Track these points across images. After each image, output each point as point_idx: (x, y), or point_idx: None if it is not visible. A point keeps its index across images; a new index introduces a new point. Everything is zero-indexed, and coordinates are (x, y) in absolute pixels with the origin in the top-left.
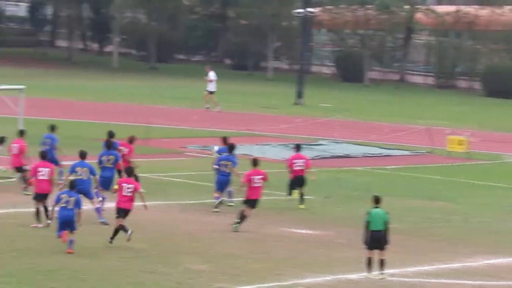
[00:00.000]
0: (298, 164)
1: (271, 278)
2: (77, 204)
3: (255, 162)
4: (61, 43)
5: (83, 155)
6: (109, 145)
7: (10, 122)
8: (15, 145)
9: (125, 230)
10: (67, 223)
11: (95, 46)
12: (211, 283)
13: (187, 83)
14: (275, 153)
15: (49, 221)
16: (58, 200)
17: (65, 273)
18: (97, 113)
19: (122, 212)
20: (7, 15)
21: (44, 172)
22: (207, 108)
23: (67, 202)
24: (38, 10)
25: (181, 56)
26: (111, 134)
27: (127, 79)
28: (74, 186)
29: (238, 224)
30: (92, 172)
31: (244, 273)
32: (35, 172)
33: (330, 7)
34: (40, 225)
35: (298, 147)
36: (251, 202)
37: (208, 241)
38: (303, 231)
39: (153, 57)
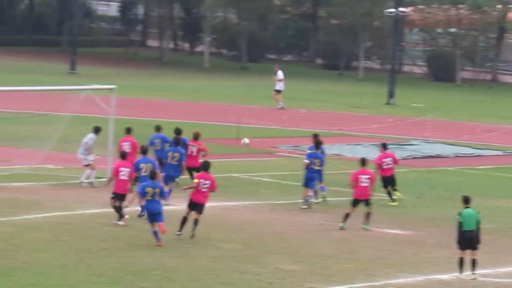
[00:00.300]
0: (387, 163)
1: (361, 278)
2: (162, 194)
3: (363, 161)
4: (152, 42)
5: (144, 151)
6: (177, 142)
7: (101, 122)
8: (125, 143)
9: (195, 224)
10: (156, 215)
11: (186, 46)
12: (302, 283)
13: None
14: (366, 153)
15: (121, 222)
16: (144, 194)
17: (156, 273)
18: (188, 113)
19: (195, 206)
20: (98, 14)
21: (124, 172)
22: (281, 107)
23: (153, 194)
24: (129, 9)
25: (272, 56)
26: (178, 131)
27: (218, 79)
28: (154, 177)
29: (343, 223)
30: (154, 167)
31: (334, 273)
32: (116, 172)
33: (422, 6)
34: (120, 223)
35: (384, 146)
36: (358, 202)
37: (299, 241)
38: (394, 231)
39: (244, 57)
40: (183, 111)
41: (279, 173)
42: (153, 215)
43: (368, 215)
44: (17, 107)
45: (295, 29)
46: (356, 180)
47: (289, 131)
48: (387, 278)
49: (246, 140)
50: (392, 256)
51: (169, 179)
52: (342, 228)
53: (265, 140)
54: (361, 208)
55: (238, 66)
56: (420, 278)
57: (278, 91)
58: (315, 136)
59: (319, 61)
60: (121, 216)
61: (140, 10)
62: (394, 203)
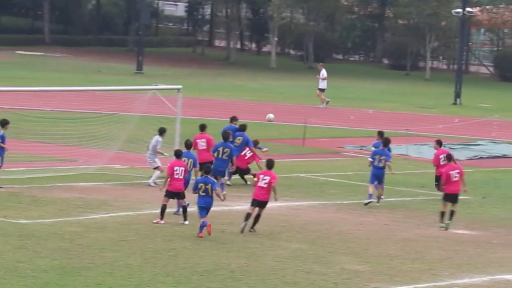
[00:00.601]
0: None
1: (427, 278)
2: (214, 187)
3: (449, 157)
4: (219, 43)
5: (188, 146)
6: (226, 138)
7: (167, 122)
8: (201, 139)
9: (256, 222)
10: (207, 209)
11: (252, 46)
12: (367, 283)
13: (344, 83)
14: (432, 153)
15: (186, 222)
16: (196, 188)
17: (222, 273)
18: (254, 113)
19: (257, 203)
20: (165, 14)
21: (179, 171)
22: (325, 105)
23: (206, 190)
24: (196, 10)
25: (339, 56)
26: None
27: (284, 79)
28: (209, 172)
29: (449, 222)
30: (195, 164)
31: (399, 273)
32: (171, 171)
33: (489, 6)
34: (161, 222)
35: (440, 143)
36: (450, 197)
37: (364, 241)
38: (460, 231)
39: (310, 57)
40: (250, 111)
41: (345, 173)
42: (204, 209)
43: (452, 214)
44: (83, 107)
45: (362, 29)
46: (447, 176)
47: (355, 131)
48: (452, 278)
49: (271, 116)
50: (457, 256)
51: (217, 173)
52: (444, 228)
53: (331, 140)
54: (429, 208)
55: (305, 66)
56: (486, 278)
57: (322, 90)
58: (381, 133)
59: (385, 61)
60: (185, 219)
61: (207, 10)
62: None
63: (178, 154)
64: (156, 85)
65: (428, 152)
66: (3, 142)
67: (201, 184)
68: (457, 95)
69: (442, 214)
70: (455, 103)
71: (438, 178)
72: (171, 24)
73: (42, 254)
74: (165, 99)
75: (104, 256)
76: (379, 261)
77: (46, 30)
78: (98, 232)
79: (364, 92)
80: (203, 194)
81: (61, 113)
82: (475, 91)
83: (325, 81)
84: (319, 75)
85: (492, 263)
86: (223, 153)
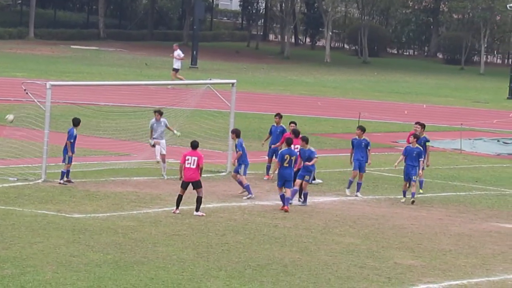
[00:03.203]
0: None
1: (480, 273)
2: (295, 162)
3: None
4: (273, 37)
5: (289, 143)
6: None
7: (221, 116)
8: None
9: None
10: (287, 181)
11: (307, 40)
12: (421, 278)
13: (398, 77)
14: (486, 148)
15: (200, 213)
16: (282, 160)
17: (275, 268)
18: (309, 107)
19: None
20: (219, 9)
21: (190, 161)
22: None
23: (290, 161)
24: (250, 4)
25: (393, 50)
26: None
27: (339, 73)
28: (290, 144)
29: None
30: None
31: (453, 268)
32: (183, 160)
33: None
34: (177, 212)
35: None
36: None
37: (418, 236)
38: None
39: (364, 51)
40: (304, 105)
41: (400, 167)
42: (285, 181)
43: None
44: (137, 101)
45: (417, 23)
46: None
47: (409, 126)
48: (506, 273)
49: (10, 117)
50: (511, 251)
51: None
52: None
53: (385, 135)
54: (483, 202)
55: (359, 61)
56: None
57: (176, 70)
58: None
59: (440, 55)
60: (177, 207)
61: (262, 5)
62: None
63: (194, 145)
64: (210, 80)
65: (482, 146)
66: (74, 141)
67: (287, 156)
68: None
69: None
70: (509, 98)
71: None
72: (225, 18)
73: (95, 249)
74: (219, 93)
75: (157, 250)
76: (432, 255)
77: (101, 25)
78: (151, 227)
79: (418, 86)
80: (286, 165)
81: (115, 107)
82: None
83: (180, 62)
84: (173, 54)
85: None
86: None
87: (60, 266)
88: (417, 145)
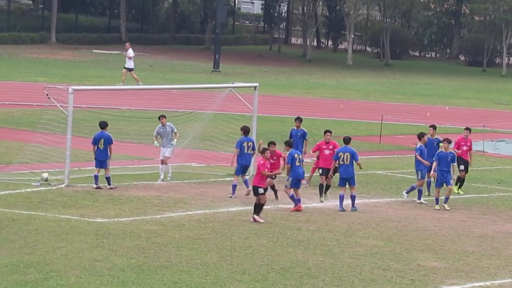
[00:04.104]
0: None
1: (504, 274)
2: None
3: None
4: (295, 40)
5: (347, 141)
6: (246, 132)
7: (244, 120)
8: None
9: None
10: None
11: (329, 43)
12: (444, 280)
13: (420, 79)
14: (509, 149)
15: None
16: (293, 161)
17: (298, 271)
18: (331, 110)
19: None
20: (241, 12)
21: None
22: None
23: (300, 160)
24: (272, 7)
25: (415, 53)
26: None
27: (361, 76)
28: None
29: None
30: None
31: (476, 269)
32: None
33: None
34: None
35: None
36: None
37: (441, 238)
38: None
39: (387, 53)
40: (326, 108)
41: None
42: (297, 180)
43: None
44: (160, 106)
45: (438, 26)
46: None
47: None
48: None
49: (45, 175)
50: None
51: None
52: None
53: (408, 137)
54: (506, 204)
55: (381, 63)
56: None
57: (129, 69)
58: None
59: (462, 57)
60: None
61: (284, 8)
62: None
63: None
64: (233, 83)
65: (505, 148)
66: (106, 145)
67: (297, 155)
68: None
69: None
70: None
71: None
72: (247, 22)
73: (118, 253)
74: (241, 96)
75: (181, 254)
76: (455, 257)
77: (122, 29)
78: (174, 230)
79: (440, 88)
80: (298, 164)
81: (137, 112)
82: None
83: (132, 61)
84: (126, 53)
85: None
86: (248, 147)
87: (84, 270)
88: (450, 149)
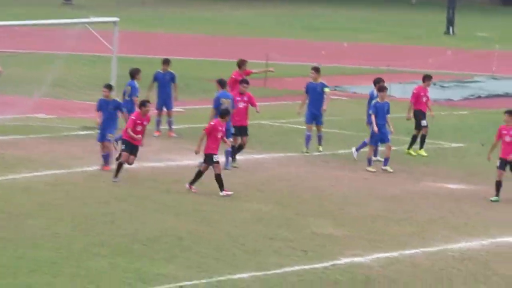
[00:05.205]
0: None
1: (415, 243)
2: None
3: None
4: None
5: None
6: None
7: (102, 62)
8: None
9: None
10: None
11: None
12: (344, 250)
13: (314, 10)
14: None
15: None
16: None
17: (168, 241)
18: (206, 49)
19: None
20: None
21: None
22: None
23: None
24: None
25: None
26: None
27: (245, 7)
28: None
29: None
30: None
31: (383, 237)
32: None
33: None
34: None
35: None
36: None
37: (341, 200)
38: (455, 186)
39: None
40: (200, 47)
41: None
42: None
43: None
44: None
45: None
46: (500, 135)
47: (328, 68)
48: (445, 243)
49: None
50: (452, 216)
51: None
52: (494, 201)
53: (299, 79)
54: (418, 159)
55: None
56: (486, 242)
57: None
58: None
59: None
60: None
61: None
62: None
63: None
64: (88, 18)
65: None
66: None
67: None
68: (450, 22)
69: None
70: (447, 33)
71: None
72: None
73: None
74: (98, 34)
75: (27, 224)
76: (358, 223)
77: None
78: (19, 195)
79: (337, 21)
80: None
81: None
82: (471, 18)
83: None
84: None
85: (493, 223)
86: None
87: None
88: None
